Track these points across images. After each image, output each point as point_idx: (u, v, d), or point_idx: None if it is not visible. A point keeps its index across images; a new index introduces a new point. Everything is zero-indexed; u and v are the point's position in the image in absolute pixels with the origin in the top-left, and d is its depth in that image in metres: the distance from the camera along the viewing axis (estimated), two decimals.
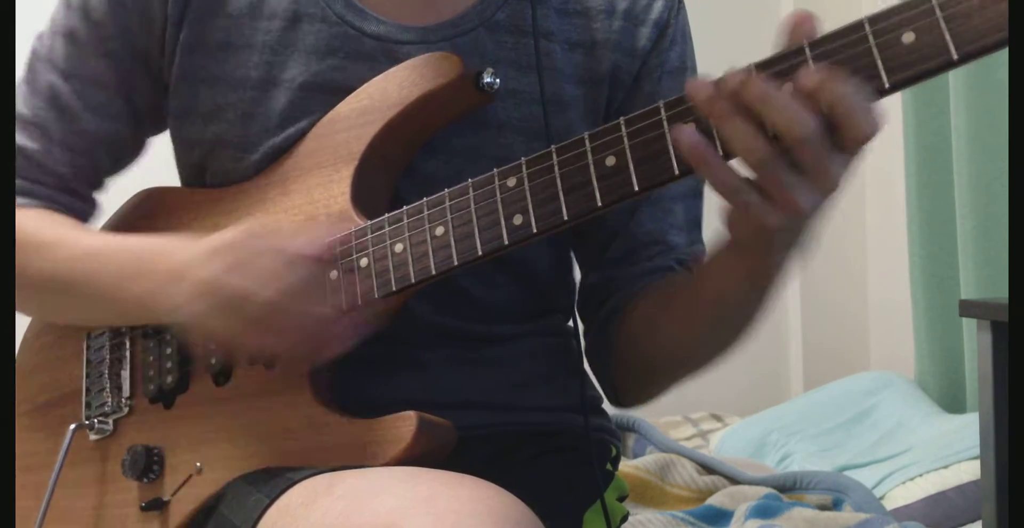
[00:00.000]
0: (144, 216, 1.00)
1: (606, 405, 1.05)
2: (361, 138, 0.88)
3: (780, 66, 0.68)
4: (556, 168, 0.75)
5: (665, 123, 0.71)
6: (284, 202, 0.90)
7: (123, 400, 0.94)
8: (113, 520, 0.92)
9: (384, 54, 0.91)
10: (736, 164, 0.70)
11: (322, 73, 0.91)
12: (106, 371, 0.96)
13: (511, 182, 0.77)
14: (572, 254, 1.03)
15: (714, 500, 1.65)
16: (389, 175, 0.90)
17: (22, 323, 1.01)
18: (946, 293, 2.23)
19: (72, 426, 0.93)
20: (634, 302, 0.95)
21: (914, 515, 1.66)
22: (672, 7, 0.99)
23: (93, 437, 0.95)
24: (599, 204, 0.74)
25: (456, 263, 0.79)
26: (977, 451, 1.54)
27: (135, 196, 1.02)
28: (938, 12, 0.63)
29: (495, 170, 0.78)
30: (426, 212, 0.81)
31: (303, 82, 0.91)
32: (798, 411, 2.23)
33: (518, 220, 0.76)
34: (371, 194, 0.88)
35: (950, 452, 1.80)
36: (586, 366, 1.02)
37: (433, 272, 0.80)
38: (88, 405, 0.97)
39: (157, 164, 1.06)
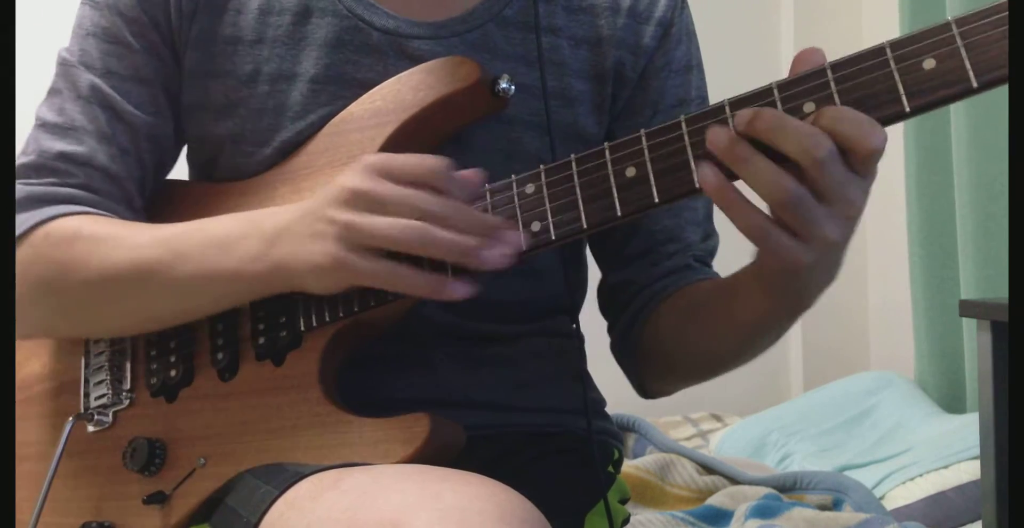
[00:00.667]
0: (151, 211, 0.99)
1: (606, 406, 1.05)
2: (375, 139, 0.88)
3: (803, 86, 0.69)
4: (576, 177, 0.76)
5: (687, 137, 0.72)
6: (294, 199, 0.90)
7: (123, 392, 0.93)
8: (112, 512, 0.91)
9: (393, 48, 0.91)
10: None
11: (332, 67, 0.91)
12: (106, 363, 0.95)
13: (529, 189, 0.78)
14: (587, 253, 1.04)
15: (714, 500, 1.65)
16: None
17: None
18: (946, 293, 2.24)
19: (71, 417, 0.93)
20: (660, 308, 0.96)
21: (914, 515, 1.66)
22: (675, 6, 0.99)
23: (91, 429, 0.95)
24: (619, 213, 0.74)
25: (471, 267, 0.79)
26: (977, 451, 1.55)
27: None
28: (959, 40, 0.65)
29: (513, 176, 0.79)
30: None
31: (313, 75, 0.91)
32: (798, 411, 2.23)
33: (536, 227, 0.77)
34: None
35: (950, 452, 1.80)
36: (588, 368, 1.02)
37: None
38: (86, 396, 0.96)
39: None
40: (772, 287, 0.80)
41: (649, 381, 1.00)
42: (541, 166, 0.78)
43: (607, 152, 0.75)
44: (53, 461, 0.91)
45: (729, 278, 0.89)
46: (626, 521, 1.02)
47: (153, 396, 0.92)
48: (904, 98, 0.66)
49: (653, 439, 1.98)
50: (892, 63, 0.67)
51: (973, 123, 2.04)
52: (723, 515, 1.60)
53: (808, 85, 0.69)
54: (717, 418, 2.38)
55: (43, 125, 0.94)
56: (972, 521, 1.66)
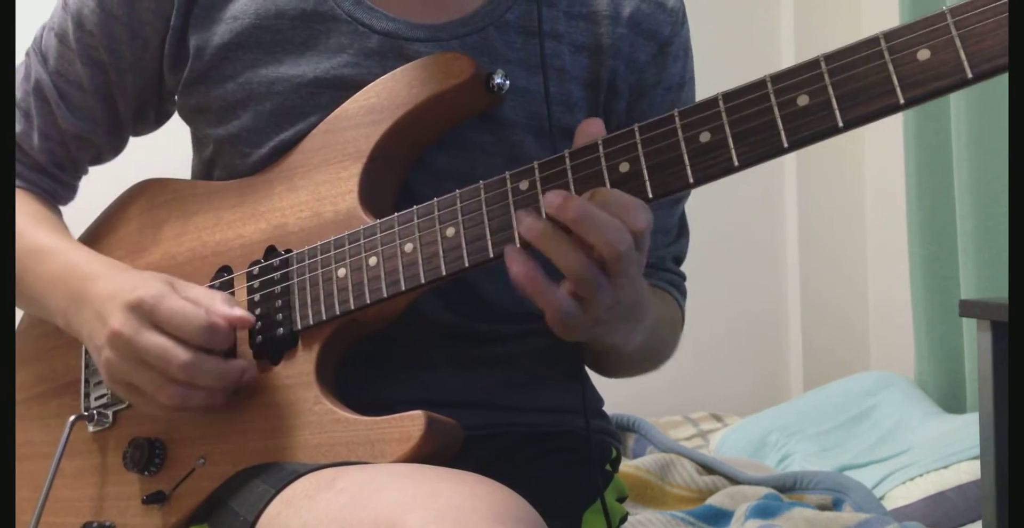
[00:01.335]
0: (143, 207, 1.00)
1: (606, 407, 1.06)
2: (369, 136, 0.88)
3: (796, 78, 0.68)
4: (569, 173, 0.76)
5: (680, 132, 0.72)
6: (290, 197, 0.90)
7: None
8: (112, 512, 0.91)
9: (394, 51, 0.91)
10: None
11: (332, 70, 0.91)
12: None
13: (523, 185, 0.77)
14: None
15: (714, 500, 1.65)
16: (396, 173, 0.90)
17: (21, 312, 1.02)
18: (946, 293, 2.24)
19: (72, 417, 0.93)
20: None
21: (914, 515, 1.66)
22: (675, 21, 0.99)
23: (92, 429, 0.95)
24: None
25: (467, 264, 0.79)
26: (977, 451, 1.55)
27: (133, 187, 1.02)
28: (953, 30, 0.64)
29: (507, 173, 0.79)
30: (436, 213, 0.81)
31: (313, 78, 0.91)
32: (798, 411, 2.23)
33: None
34: (378, 192, 0.88)
35: (950, 452, 1.80)
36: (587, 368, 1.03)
37: (443, 273, 0.80)
38: (87, 396, 0.96)
39: (145, 160, 1.07)
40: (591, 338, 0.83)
41: (597, 365, 1.02)
42: (535, 162, 0.78)
43: (600, 147, 0.75)
44: (54, 461, 0.91)
45: None
46: (623, 519, 1.03)
47: None
48: (898, 90, 0.65)
49: (653, 439, 1.98)
50: (886, 54, 0.66)
51: (973, 123, 2.04)
52: (723, 515, 1.60)
53: (802, 77, 0.68)
54: (717, 418, 2.38)
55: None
56: (972, 521, 1.66)
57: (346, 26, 0.92)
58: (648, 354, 0.97)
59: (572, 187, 0.75)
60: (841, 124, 0.67)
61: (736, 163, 0.70)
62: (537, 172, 0.77)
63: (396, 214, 0.83)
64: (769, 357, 2.70)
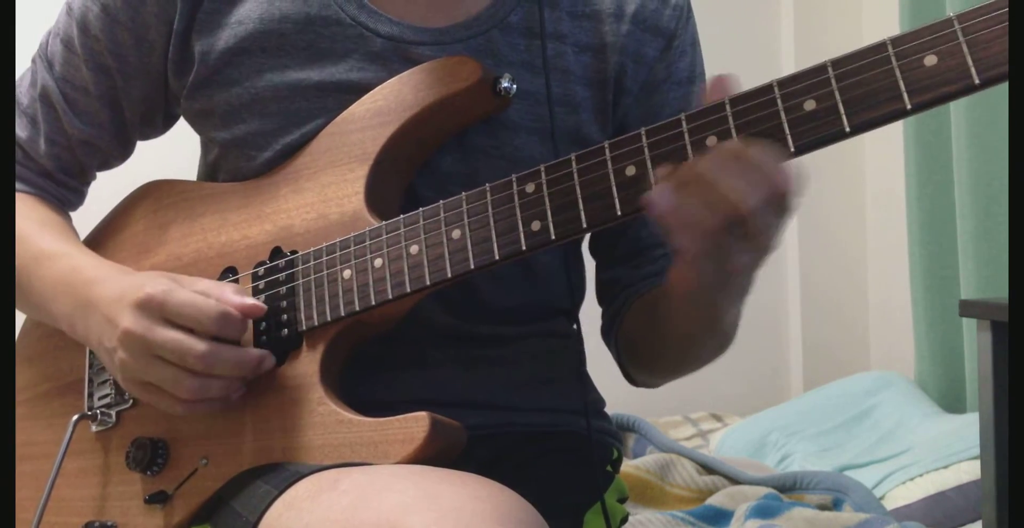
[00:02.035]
0: (149, 208, 1.00)
1: (606, 407, 1.06)
2: (376, 139, 0.88)
3: (803, 83, 0.69)
4: (576, 176, 0.76)
5: (687, 135, 0.72)
6: (296, 199, 0.90)
7: (127, 392, 0.94)
8: (115, 511, 0.91)
9: (398, 55, 0.91)
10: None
11: (337, 74, 0.91)
12: None
13: (529, 188, 0.78)
14: (582, 254, 1.05)
15: (714, 500, 1.65)
16: (402, 176, 0.90)
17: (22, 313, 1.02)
18: (946, 293, 2.24)
19: (75, 417, 0.93)
20: (630, 312, 0.98)
21: (914, 515, 1.66)
22: (680, 16, 0.99)
23: (95, 428, 0.95)
24: (618, 213, 0.74)
25: (472, 267, 0.79)
26: (977, 451, 1.55)
27: (139, 188, 1.03)
28: (960, 37, 0.64)
29: (513, 176, 0.79)
30: (443, 215, 0.81)
31: (318, 82, 0.91)
32: (798, 411, 2.23)
33: (536, 226, 0.77)
34: (384, 194, 0.88)
35: (950, 452, 1.80)
36: (588, 368, 1.03)
37: (448, 275, 0.80)
38: (90, 396, 0.97)
39: (153, 161, 1.07)
40: (690, 306, 0.82)
41: (633, 372, 1.02)
42: (541, 165, 0.78)
43: (607, 151, 0.75)
44: (56, 460, 0.91)
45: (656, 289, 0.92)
46: (624, 520, 1.03)
47: None
48: (905, 95, 0.66)
49: (653, 439, 1.98)
50: (893, 60, 0.66)
51: (973, 123, 2.04)
52: (723, 515, 1.60)
53: (809, 82, 0.68)
54: (717, 418, 2.38)
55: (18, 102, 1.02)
56: (972, 521, 1.66)
57: (350, 30, 0.92)
58: (721, 341, 0.92)
59: (578, 190, 0.76)
60: (848, 129, 0.68)
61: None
62: (544, 175, 0.77)
63: (402, 216, 0.83)
64: (769, 357, 2.70)
